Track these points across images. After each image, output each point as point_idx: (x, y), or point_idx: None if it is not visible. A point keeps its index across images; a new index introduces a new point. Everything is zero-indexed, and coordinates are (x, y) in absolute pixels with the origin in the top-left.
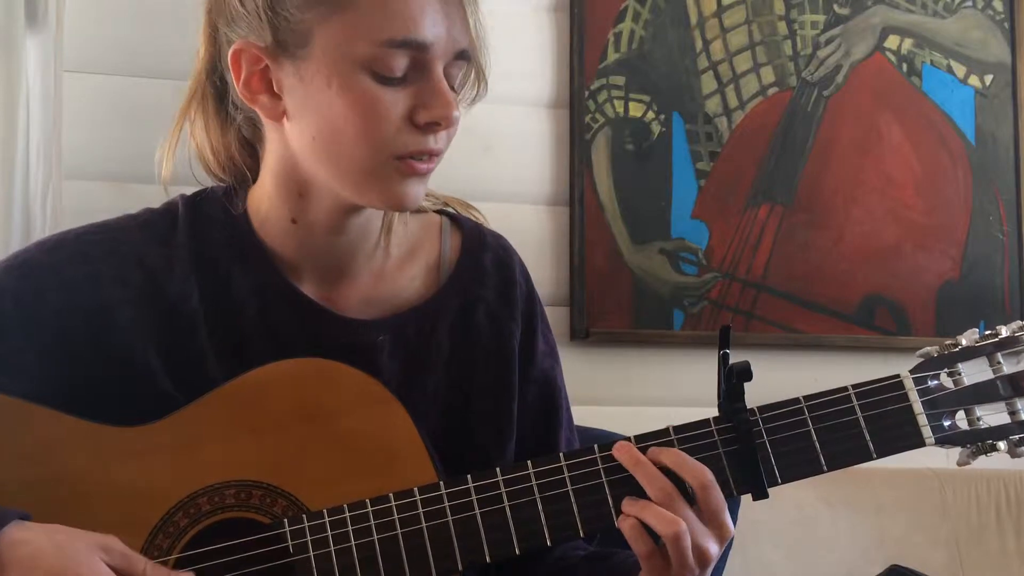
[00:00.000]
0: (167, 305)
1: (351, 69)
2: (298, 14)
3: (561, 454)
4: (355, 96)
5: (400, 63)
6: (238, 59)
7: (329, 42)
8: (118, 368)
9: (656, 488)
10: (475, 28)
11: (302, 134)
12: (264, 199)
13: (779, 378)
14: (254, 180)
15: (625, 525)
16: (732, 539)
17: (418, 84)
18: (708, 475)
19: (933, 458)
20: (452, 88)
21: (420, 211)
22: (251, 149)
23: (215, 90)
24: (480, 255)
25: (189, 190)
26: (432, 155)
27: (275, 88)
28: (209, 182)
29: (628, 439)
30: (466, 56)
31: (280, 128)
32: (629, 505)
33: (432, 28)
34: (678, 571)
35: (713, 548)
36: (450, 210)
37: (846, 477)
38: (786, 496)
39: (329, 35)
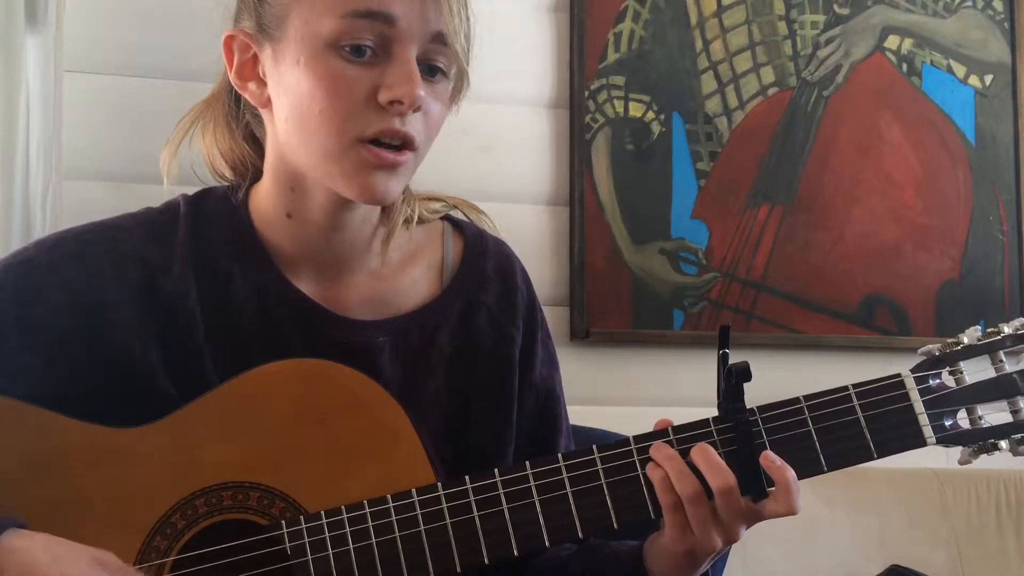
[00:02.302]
0: (166, 303)
1: (318, 47)
2: None
3: (560, 455)
4: (319, 73)
5: (365, 36)
6: (229, 46)
7: (300, 21)
8: (117, 367)
9: (685, 486)
10: (454, 14)
11: (279, 118)
12: (263, 195)
13: (779, 378)
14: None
15: (655, 475)
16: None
17: (385, 63)
18: (730, 480)
19: (933, 458)
20: (432, 76)
21: (423, 222)
22: (260, 147)
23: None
24: (482, 260)
25: (191, 190)
26: (402, 143)
27: (260, 74)
28: (213, 182)
29: (627, 439)
30: (443, 40)
31: (271, 117)
32: (657, 450)
33: (400, 4)
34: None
35: (717, 543)
36: (454, 214)
37: (846, 477)
38: None
39: (300, 14)
